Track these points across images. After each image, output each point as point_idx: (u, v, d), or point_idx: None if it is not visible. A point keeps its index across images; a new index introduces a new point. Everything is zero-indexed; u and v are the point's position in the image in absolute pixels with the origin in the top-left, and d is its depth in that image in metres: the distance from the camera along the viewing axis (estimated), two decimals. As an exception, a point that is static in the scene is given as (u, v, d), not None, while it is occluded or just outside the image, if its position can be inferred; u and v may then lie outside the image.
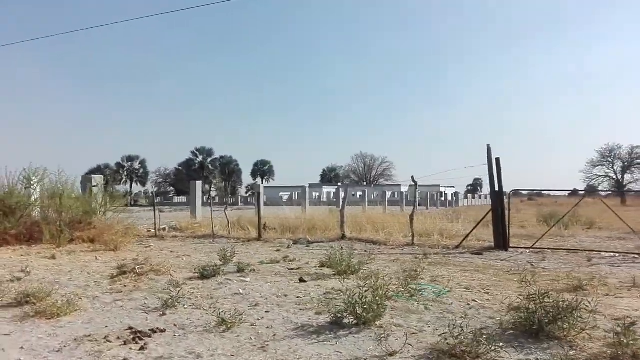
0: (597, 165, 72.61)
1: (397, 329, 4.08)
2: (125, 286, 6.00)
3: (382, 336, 3.69)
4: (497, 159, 11.51)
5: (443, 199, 61.40)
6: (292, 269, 7.62)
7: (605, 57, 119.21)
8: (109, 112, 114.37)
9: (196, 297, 5.28)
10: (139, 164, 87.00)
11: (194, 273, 6.84)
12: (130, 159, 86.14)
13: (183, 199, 75.36)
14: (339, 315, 4.21)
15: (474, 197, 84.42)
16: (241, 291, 5.57)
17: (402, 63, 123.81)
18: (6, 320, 4.60)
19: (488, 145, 11.64)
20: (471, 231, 11.84)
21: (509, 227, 11.41)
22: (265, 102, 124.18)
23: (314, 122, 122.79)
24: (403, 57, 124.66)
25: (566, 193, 28.10)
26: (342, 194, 17.74)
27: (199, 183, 22.35)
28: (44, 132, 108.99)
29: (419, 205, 40.03)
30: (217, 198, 74.23)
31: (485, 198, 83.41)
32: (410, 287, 5.36)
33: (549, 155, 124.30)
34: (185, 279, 6.42)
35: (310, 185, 64.89)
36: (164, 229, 15.71)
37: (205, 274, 6.36)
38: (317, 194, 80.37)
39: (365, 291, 4.24)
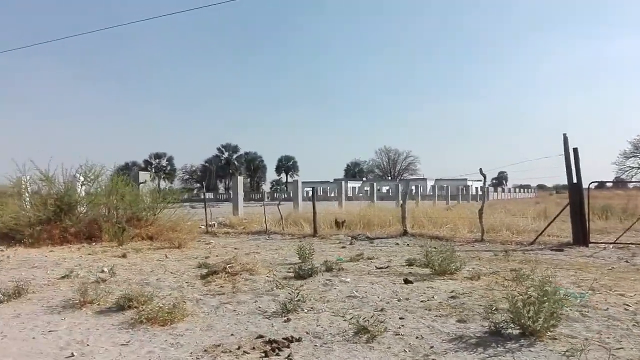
0: (630, 157, 69.91)
1: (572, 340, 3.54)
2: (221, 287, 5.60)
3: (572, 351, 3.15)
4: (575, 149, 10.77)
5: (473, 192, 59.83)
6: (380, 268, 7.12)
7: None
8: (136, 109, 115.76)
9: (310, 300, 4.82)
10: (167, 161, 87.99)
11: (288, 272, 6.41)
12: (158, 156, 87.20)
13: (210, 195, 75.73)
14: (499, 325, 3.69)
15: (503, 191, 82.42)
16: (356, 293, 5.10)
17: (423, 54, 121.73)
18: (114, 327, 4.24)
19: (564, 135, 10.89)
20: (547, 226, 11.15)
21: (588, 221, 10.69)
22: (290, 97, 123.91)
23: (337, 116, 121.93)
24: (425, 48, 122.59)
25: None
26: (400, 188, 17.16)
27: (240, 178, 22.06)
28: (70, 129, 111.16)
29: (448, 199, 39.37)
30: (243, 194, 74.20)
31: (517, 191, 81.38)
32: (548, 290, 4.79)
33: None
34: (280, 279, 6.00)
35: (335, 181, 64.38)
36: (212, 225, 15.45)
37: (301, 274, 5.92)
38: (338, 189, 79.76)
39: (528, 298, 3.70)
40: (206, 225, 14.58)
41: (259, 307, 4.65)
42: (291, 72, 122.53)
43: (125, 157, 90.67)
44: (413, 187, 44.91)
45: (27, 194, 11.56)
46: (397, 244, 11.08)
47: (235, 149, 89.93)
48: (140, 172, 15.90)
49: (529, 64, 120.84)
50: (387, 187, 73.45)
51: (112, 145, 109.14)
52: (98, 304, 4.92)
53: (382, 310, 4.50)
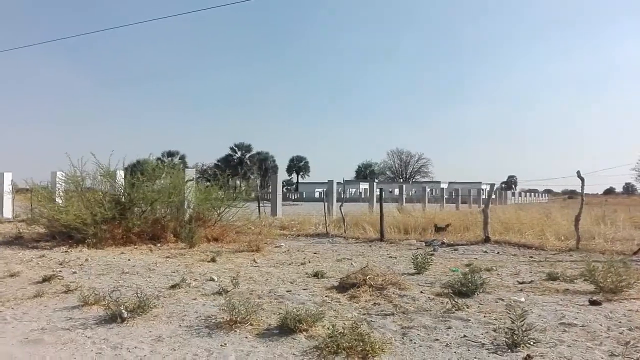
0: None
1: None
2: (376, 304, 4.72)
3: None
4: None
5: (485, 196, 58.23)
6: (523, 282, 6.20)
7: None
8: (148, 108, 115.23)
9: (534, 330, 3.90)
10: (179, 159, 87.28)
11: (431, 287, 5.52)
12: (171, 154, 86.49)
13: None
14: None
15: (513, 195, 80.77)
16: (576, 322, 4.17)
17: (430, 62, 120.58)
18: (298, 357, 3.36)
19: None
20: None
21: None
22: (301, 98, 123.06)
23: (349, 117, 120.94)
24: (438, 53, 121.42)
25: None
26: (485, 188, 16.21)
27: (279, 178, 21.21)
28: (83, 128, 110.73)
29: (461, 202, 38.22)
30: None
31: (526, 195, 79.69)
32: None
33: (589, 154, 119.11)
34: (433, 295, 5.11)
35: (346, 182, 63.39)
36: (264, 227, 14.58)
37: (463, 290, 5.02)
38: (354, 189, 78.90)
39: None
40: (263, 226, 13.72)
41: (465, 336, 3.75)
42: (303, 73, 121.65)
43: (137, 154, 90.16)
44: (428, 189, 43.86)
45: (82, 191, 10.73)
46: (486, 252, 10.17)
47: (248, 148, 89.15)
48: (186, 169, 15.03)
49: (536, 66, 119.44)
50: (397, 189, 72.36)
51: (124, 143, 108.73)
52: (251, 324, 4.05)
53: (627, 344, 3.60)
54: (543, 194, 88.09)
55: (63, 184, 11.09)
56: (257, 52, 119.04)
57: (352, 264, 7.87)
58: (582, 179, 10.45)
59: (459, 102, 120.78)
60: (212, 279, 5.92)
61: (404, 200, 33.04)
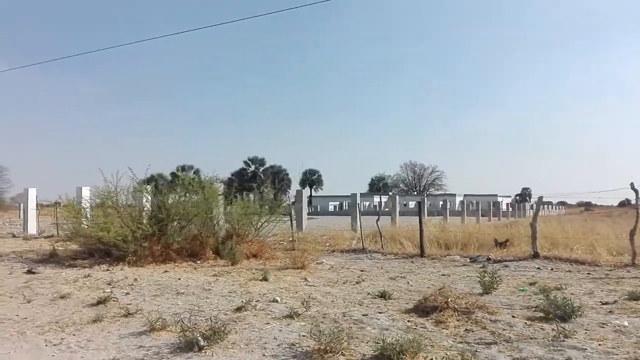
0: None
1: None
2: (468, 331, 4.32)
3: None
4: None
5: (504, 208, 57.01)
6: (606, 303, 5.74)
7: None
8: (162, 122, 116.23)
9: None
10: (194, 173, 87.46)
11: (532, 310, 5.08)
12: (185, 168, 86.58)
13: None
14: None
15: (531, 208, 79.37)
16: None
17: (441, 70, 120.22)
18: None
19: None
20: None
21: None
22: (314, 110, 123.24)
23: (362, 130, 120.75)
24: (447, 62, 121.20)
25: None
26: (533, 200, 15.65)
27: (304, 191, 20.90)
28: (93, 142, 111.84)
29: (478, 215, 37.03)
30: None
31: (548, 207, 78.24)
32: None
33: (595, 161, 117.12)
34: (524, 318, 4.69)
35: (361, 195, 62.89)
36: (294, 241, 14.21)
37: (557, 314, 4.59)
38: (368, 203, 78.21)
39: None
40: (292, 241, 13.37)
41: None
42: (315, 86, 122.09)
43: (151, 169, 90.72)
44: (441, 202, 43.03)
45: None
46: (539, 268, 9.68)
47: (261, 162, 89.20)
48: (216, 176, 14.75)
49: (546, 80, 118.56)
50: (412, 203, 71.58)
51: (139, 158, 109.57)
52: (342, 354, 3.68)
53: None
54: (559, 206, 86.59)
55: (93, 200, 10.87)
56: (271, 68, 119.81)
57: (408, 282, 7.46)
58: (637, 191, 9.95)
59: (469, 112, 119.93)
60: (275, 300, 5.56)
61: (426, 213, 32.50)
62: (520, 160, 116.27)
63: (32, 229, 20.73)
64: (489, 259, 10.93)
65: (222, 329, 4.11)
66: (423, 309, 4.92)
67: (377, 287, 6.74)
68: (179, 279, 7.23)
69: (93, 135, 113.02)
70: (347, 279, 7.66)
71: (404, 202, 67.57)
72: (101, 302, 5.51)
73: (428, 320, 4.68)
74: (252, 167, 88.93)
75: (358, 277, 7.80)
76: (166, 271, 8.20)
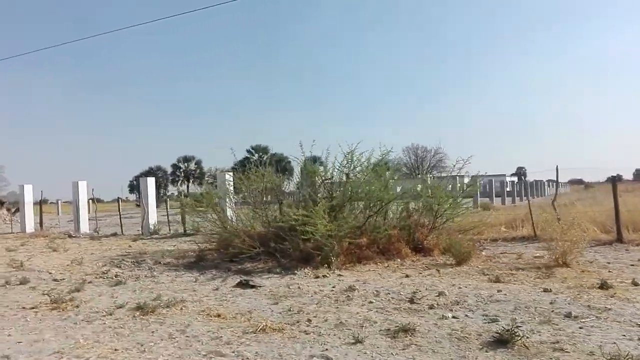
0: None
1: None
2: None
3: None
4: None
5: (509, 189, 54.46)
6: None
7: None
8: (161, 114, 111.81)
9: None
10: (195, 164, 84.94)
11: None
12: (186, 159, 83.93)
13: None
14: None
15: (549, 186, 77.92)
16: None
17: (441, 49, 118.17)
18: None
19: None
20: None
21: None
22: (310, 94, 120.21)
23: (361, 114, 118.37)
24: (449, 42, 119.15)
25: None
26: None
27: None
28: (94, 135, 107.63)
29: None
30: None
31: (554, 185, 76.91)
32: None
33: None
34: None
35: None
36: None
37: None
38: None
39: None
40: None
41: None
42: (317, 73, 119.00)
43: (150, 162, 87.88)
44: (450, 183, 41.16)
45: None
46: None
47: (265, 150, 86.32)
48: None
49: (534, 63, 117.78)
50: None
51: (138, 151, 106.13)
52: None
53: None
54: (566, 185, 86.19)
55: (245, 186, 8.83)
56: (271, 55, 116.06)
57: None
58: None
59: (459, 95, 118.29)
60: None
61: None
62: (511, 141, 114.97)
63: (85, 227, 18.39)
64: None
65: None
66: None
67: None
68: (460, 287, 5.21)
69: (87, 129, 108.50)
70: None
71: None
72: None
73: None
74: (256, 156, 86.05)
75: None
76: (407, 276, 6.21)
